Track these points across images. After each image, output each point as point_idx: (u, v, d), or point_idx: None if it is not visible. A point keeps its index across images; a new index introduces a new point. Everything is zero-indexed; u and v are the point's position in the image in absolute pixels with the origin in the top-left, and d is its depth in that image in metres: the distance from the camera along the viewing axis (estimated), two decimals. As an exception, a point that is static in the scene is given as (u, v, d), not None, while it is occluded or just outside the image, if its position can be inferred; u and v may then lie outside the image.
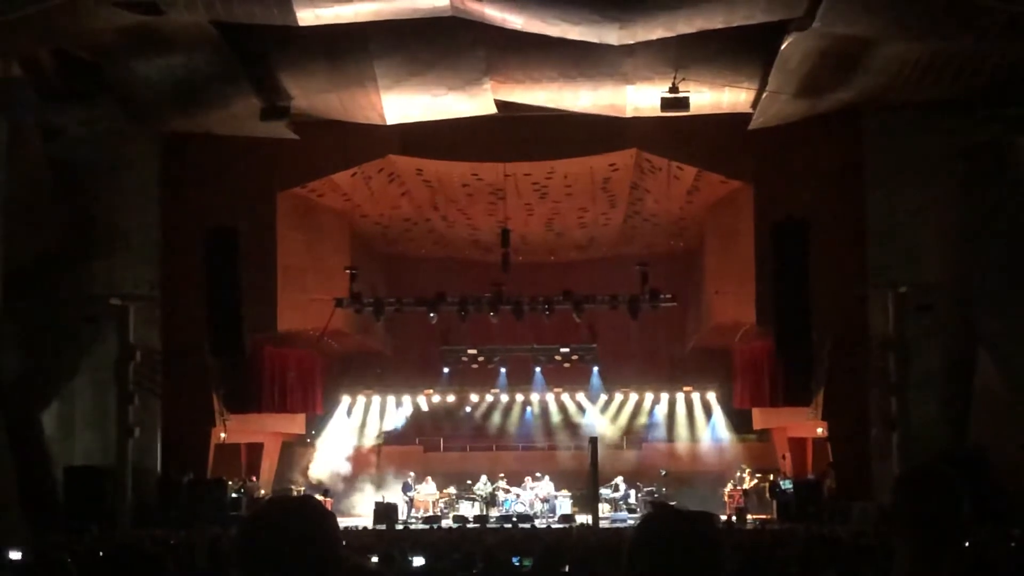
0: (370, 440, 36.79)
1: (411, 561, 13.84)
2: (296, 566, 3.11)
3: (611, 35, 24.19)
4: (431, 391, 36.58)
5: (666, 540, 3.28)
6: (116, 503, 27.45)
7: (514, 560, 13.11)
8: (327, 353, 35.58)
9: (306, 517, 3.20)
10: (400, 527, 29.08)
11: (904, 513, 3.87)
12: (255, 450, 34.76)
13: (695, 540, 3.28)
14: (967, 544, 4.10)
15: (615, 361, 36.18)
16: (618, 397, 37.26)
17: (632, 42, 24.62)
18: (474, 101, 28.05)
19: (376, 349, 36.60)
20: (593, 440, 31.00)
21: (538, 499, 33.01)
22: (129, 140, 29.27)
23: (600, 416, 37.12)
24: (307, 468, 35.59)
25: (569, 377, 36.76)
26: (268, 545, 3.14)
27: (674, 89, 25.80)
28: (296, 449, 36.79)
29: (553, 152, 30.27)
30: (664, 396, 37.13)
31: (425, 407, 36.85)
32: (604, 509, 31.40)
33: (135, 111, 28.19)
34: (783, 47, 24.72)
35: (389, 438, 37.07)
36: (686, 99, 25.84)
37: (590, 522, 28.98)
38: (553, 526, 29.27)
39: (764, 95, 26.90)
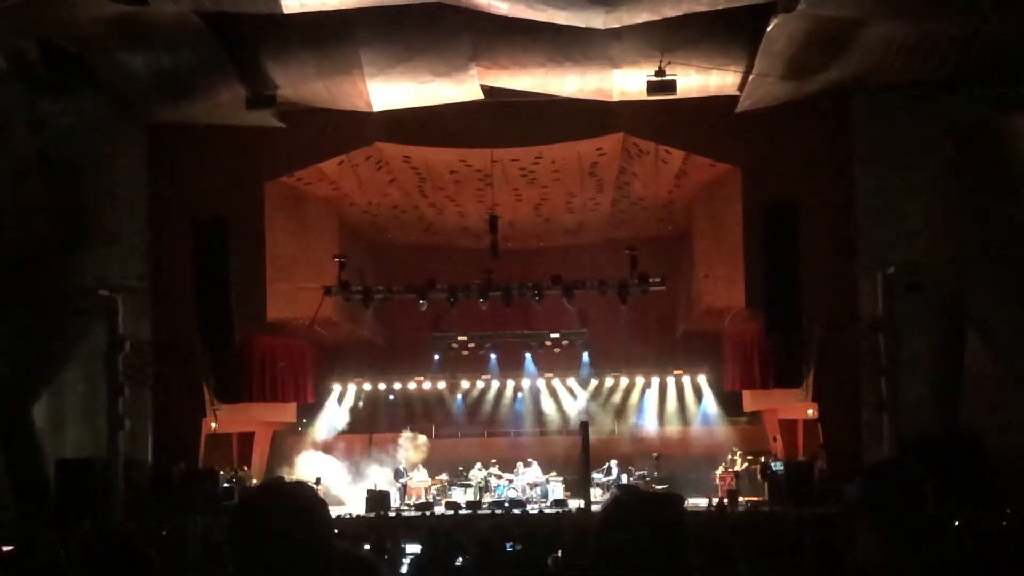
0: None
1: (404, 548, 13.84)
2: (288, 552, 3.11)
3: (597, 19, 24.16)
4: (422, 378, 36.59)
5: (632, 523, 3.29)
6: (108, 495, 27.38)
7: (507, 546, 13.11)
8: (317, 342, 35.55)
9: (298, 504, 3.20)
10: (392, 514, 29.09)
11: (870, 507, 3.87)
12: (246, 440, 34.77)
13: (660, 522, 3.29)
14: (938, 534, 4.09)
15: (605, 346, 36.21)
16: (609, 381, 37.33)
17: (618, 26, 24.60)
18: (460, 87, 28.02)
19: (366, 337, 36.57)
20: (584, 425, 31.04)
21: (530, 485, 33.03)
22: (116, 131, 29.16)
23: (591, 401, 37.17)
24: (297, 457, 35.52)
25: (560, 362, 36.80)
26: (260, 531, 3.14)
27: (661, 73, 25.79)
28: (287, 438, 36.78)
29: (540, 137, 30.23)
30: (655, 380, 37.19)
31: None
32: (596, 493, 31.43)
33: (121, 102, 28.12)
34: (769, 29, 24.70)
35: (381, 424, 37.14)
36: (673, 82, 25.83)
37: (583, 506, 29.01)
38: (546, 511, 29.31)
39: (751, 78, 26.88)
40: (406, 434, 35.52)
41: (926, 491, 3.84)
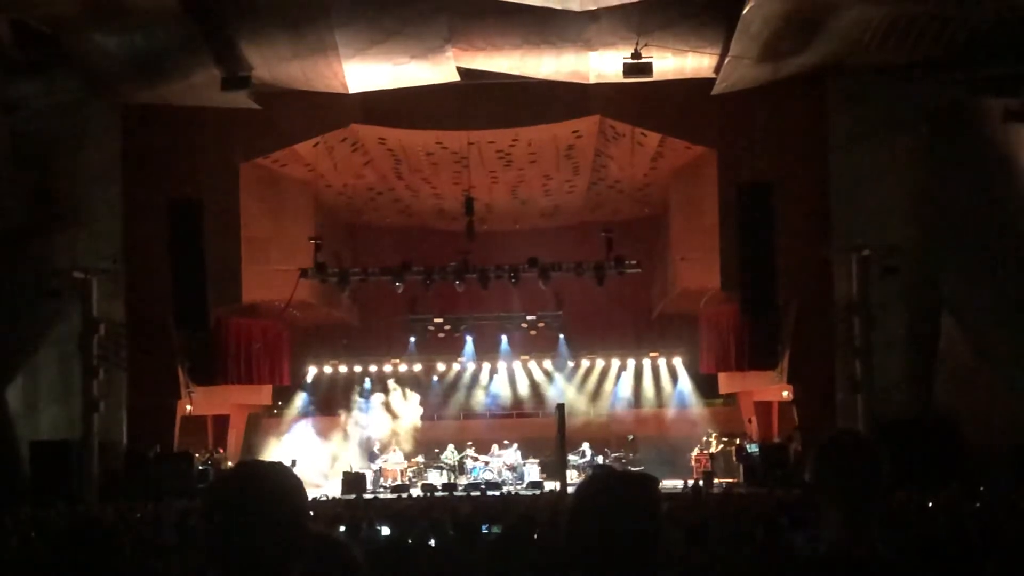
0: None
1: (379, 530, 13.83)
2: (261, 532, 3.10)
3: (574, 1, 24.11)
4: (398, 360, 36.57)
5: (606, 502, 3.30)
6: (82, 477, 27.33)
7: (483, 528, 13.11)
8: (293, 324, 35.49)
9: (274, 484, 3.19)
10: (368, 496, 29.07)
11: (826, 481, 3.87)
12: (221, 422, 34.71)
13: (634, 503, 3.29)
14: (896, 508, 4.11)
15: (582, 328, 36.25)
16: (585, 364, 37.42)
17: (595, 8, 24.57)
18: (437, 69, 27.93)
19: (342, 319, 36.53)
20: (560, 407, 31.04)
21: (506, 466, 33.07)
22: (90, 112, 29.01)
23: (567, 383, 37.20)
24: (272, 439, 35.45)
25: (536, 345, 36.81)
26: (234, 511, 3.13)
27: (637, 55, 25.74)
28: (263, 420, 36.73)
29: (517, 119, 30.17)
30: (631, 362, 37.27)
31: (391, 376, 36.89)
32: (572, 475, 31.45)
33: (95, 83, 27.96)
34: (745, 11, 24.70)
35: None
36: (649, 65, 25.78)
37: (558, 488, 29.04)
38: (521, 493, 29.34)
39: (727, 60, 26.89)
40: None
41: (882, 465, 3.85)
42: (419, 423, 35.52)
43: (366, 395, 36.08)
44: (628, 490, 3.35)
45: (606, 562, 3.26)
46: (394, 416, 35.36)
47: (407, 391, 35.89)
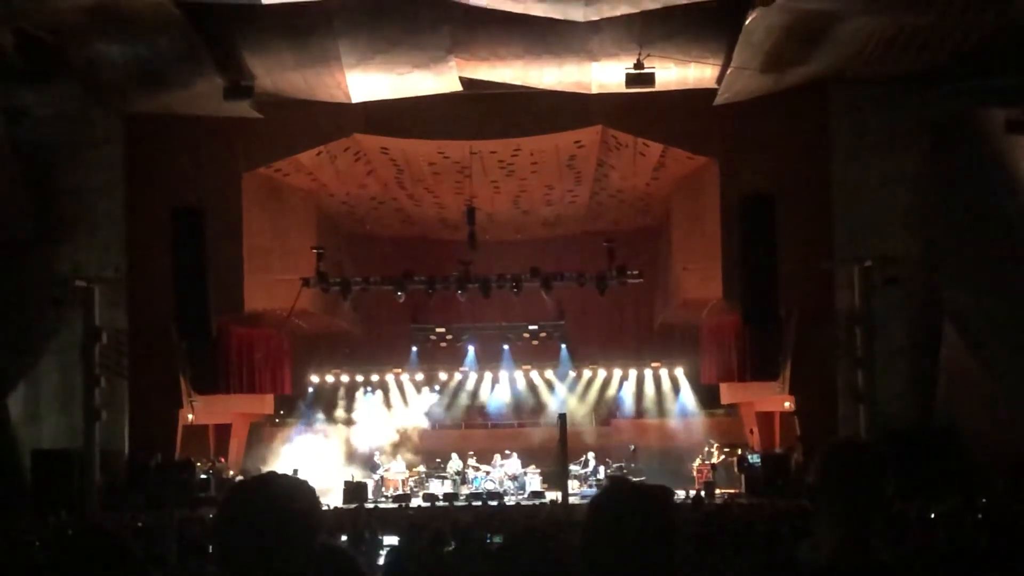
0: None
1: (381, 540, 13.84)
2: (277, 543, 3.11)
3: (576, 11, 24.13)
4: (400, 370, 36.56)
5: (622, 514, 3.31)
6: (84, 486, 27.31)
7: (485, 537, 13.12)
8: (295, 333, 35.47)
9: (292, 497, 3.20)
10: (370, 506, 29.06)
11: (829, 487, 3.87)
12: (223, 431, 34.63)
13: (650, 515, 3.30)
14: (897, 520, 4.11)
15: (583, 338, 36.27)
16: (586, 374, 37.34)
17: (597, 18, 24.56)
18: (439, 79, 27.98)
19: (344, 329, 36.49)
20: (562, 416, 31.02)
21: (507, 476, 33.03)
22: (93, 121, 29.07)
23: (569, 393, 37.17)
24: (274, 448, 35.42)
25: (537, 354, 36.82)
26: (252, 521, 3.14)
27: (639, 65, 25.77)
28: (265, 429, 36.69)
29: (519, 129, 30.19)
30: (632, 372, 37.19)
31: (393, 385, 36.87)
32: (573, 485, 31.42)
33: (98, 92, 27.99)
34: (747, 22, 24.69)
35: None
36: (651, 75, 25.81)
37: (560, 498, 29.02)
38: (523, 503, 29.33)
39: (729, 70, 26.90)
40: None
41: (886, 474, 3.84)
42: (423, 426, 35.56)
43: (368, 404, 36.09)
44: (643, 502, 3.36)
45: (622, 574, 3.27)
46: (396, 424, 35.38)
47: (410, 395, 35.94)
